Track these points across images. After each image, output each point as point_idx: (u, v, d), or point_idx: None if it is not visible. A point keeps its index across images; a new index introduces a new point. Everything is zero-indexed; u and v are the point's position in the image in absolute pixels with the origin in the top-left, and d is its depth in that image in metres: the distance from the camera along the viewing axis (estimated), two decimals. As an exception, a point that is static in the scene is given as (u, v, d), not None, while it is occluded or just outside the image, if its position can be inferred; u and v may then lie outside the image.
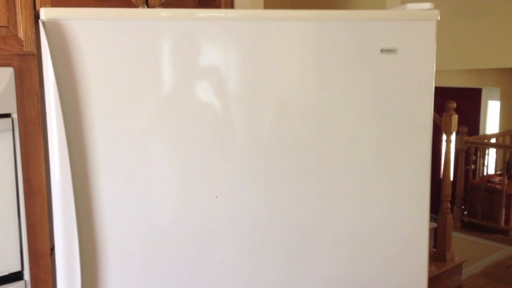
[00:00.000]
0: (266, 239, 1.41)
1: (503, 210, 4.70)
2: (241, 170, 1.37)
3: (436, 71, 1.40)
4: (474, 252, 4.31)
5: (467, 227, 4.87)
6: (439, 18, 1.37)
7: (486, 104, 6.84)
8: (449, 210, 3.38)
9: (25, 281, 1.48)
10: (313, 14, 1.35)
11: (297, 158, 1.39)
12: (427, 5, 1.38)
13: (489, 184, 5.00)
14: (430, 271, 3.13)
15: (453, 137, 3.37)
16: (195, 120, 1.32)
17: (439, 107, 2.77)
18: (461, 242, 4.43)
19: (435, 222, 3.38)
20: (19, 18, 1.40)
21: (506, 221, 4.77)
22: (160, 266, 1.36)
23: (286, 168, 1.39)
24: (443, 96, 3.37)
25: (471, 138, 5.03)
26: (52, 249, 1.41)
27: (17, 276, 1.47)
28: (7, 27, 1.39)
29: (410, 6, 1.38)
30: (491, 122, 6.83)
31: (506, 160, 5.11)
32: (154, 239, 1.35)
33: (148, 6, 1.68)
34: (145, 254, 1.35)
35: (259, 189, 1.39)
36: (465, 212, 4.99)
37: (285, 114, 1.37)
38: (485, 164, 5.15)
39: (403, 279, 1.50)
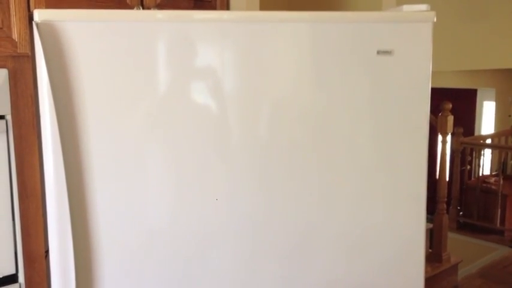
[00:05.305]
0: (263, 241, 1.41)
1: (499, 210, 4.72)
2: (237, 172, 1.37)
3: (431, 71, 1.40)
4: (470, 252, 4.32)
5: (463, 227, 4.88)
6: (435, 19, 1.37)
7: (481, 105, 6.87)
8: (445, 211, 3.38)
9: (20, 284, 1.47)
10: (309, 16, 1.34)
11: (293, 160, 1.38)
12: (423, 7, 1.38)
13: (485, 185, 5.01)
14: (425, 272, 3.12)
15: (449, 137, 3.37)
16: (191, 122, 1.32)
17: (435, 108, 2.77)
18: (457, 243, 4.43)
19: (431, 222, 3.38)
20: (13, 19, 1.39)
21: (502, 222, 4.78)
22: (155, 269, 1.35)
23: (282, 170, 1.38)
24: (438, 97, 3.37)
25: (467, 139, 5.04)
26: (47, 251, 1.40)
27: (11, 279, 1.46)
28: (1, 28, 1.38)
29: (406, 7, 1.38)
30: (487, 122, 6.85)
31: (502, 160, 5.13)
32: (149, 242, 1.34)
33: (143, 7, 1.67)
34: (141, 256, 1.34)
35: (255, 191, 1.38)
36: (461, 213, 5.00)
37: (282, 116, 1.37)
38: (481, 165, 5.17)
39: (400, 280, 1.50)
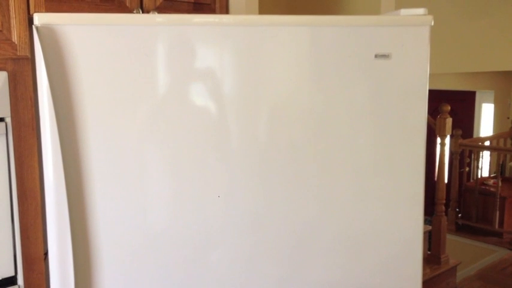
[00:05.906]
0: (262, 242, 1.41)
1: (497, 212, 4.72)
2: (236, 173, 1.37)
3: (430, 74, 1.41)
4: (468, 254, 4.32)
5: (462, 229, 4.89)
6: (432, 23, 1.38)
7: (480, 107, 6.88)
8: (443, 213, 3.39)
9: (19, 286, 1.47)
10: (308, 20, 1.35)
11: (292, 162, 1.39)
12: (421, 11, 1.38)
13: (483, 187, 5.02)
14: (424, 274, 3.13)
15: (447, 140, 3.38)
16: (191, 125, 1.32)
17: (433, 110, 2.78)
18: (455, 245, 4.44)
19: (429, 224, 3.39)
20: (13, 22, 1.40)
21: (500, 224, 4.79)
22: (155, 270, 1.36)
23: (281, 171, 1.39)
24: (437, 99, 3.39)
25: (465, 141, 5.05)
26: (46, 253, 1.41)
27: (10, 281, 1.46)
28: (1, 31, 1.39)
29: (404, 11, 1.38)
30: (485, 124, 6.86)
31: (500, 163, 5.14)
32: (149, 243, 1.35)
33: (143, 10, 1.67)
34: (140, 258, 1.35)
35: (254, 191, 1.39)
36: (459, 215, 5.01)
37: (280, 119, 1.38)
38: (480, 167, 5.17)
39: (397, 282, 1.51)
